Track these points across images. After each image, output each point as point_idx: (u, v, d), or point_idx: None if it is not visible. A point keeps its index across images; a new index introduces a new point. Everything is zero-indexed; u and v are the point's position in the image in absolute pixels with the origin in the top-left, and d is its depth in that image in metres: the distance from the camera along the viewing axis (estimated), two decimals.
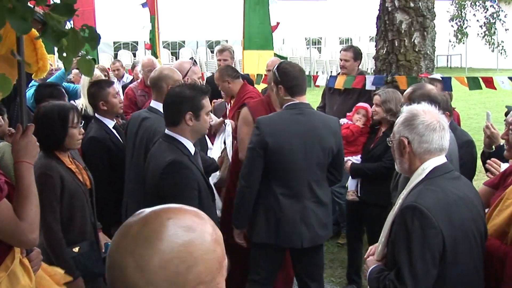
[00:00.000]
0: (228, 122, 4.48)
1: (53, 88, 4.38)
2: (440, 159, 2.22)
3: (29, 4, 1.74)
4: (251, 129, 3.41)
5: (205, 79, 6.18)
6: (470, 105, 12.90)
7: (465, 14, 20.35)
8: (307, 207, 3.21)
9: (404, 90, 4.30)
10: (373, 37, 11.32)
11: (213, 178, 4.06)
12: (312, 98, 7.26)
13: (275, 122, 3.25)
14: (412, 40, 4.83)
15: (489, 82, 4.54)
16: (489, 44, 20.18)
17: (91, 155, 3.50)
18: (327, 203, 3.35)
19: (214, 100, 5.25)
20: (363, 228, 4.37)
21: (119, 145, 3.71)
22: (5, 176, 2.08)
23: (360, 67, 5.55)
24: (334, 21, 20.35)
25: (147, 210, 1.07)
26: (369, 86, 4.87)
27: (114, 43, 19.55)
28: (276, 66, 3.41)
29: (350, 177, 4.23)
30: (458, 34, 20.33)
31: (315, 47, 22.21)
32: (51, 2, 1.83)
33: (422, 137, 2.19)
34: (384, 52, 4.97)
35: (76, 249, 2.78)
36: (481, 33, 20.25)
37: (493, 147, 3.55)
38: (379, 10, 5.07)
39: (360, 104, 4.50)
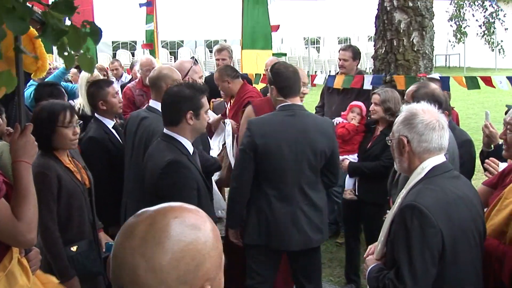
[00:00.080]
0: (228, 121, 4.48)
1: (52, 87, 4.38)
2: (439, 158, 2.22)
3: (27, 4, 1.74)
4: None
5: (203, 78, 6.17)
6: (469, 105, 12.91)
7: (464, 13, 20.36)
8: (299, 209, 3.19)
9: (401, 90, 4.32)
10: (371, 37, 11.33)
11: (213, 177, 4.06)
12: (311, 97, 7.27)
13: (265, 124, 3.24)
14: (411, 39, 4.83)
15: (488, 81, 4.54)
16: (489, 44, 20.20)
17: (90, 155, 3.49)
18: (322, 207, 3.31)
19: (213, 100, 5.25)
20: (361, 227, 4.37)
21: (118, 145, 3.70)
22: (3, 176, 2.07)
23: (358, 66, 5.56)
24: (333, 21, 20.33)
25: (150, 209, 1.07)
26: (367, 86, 4.87)
27: (113, 42, 19.52)
28: (270, 67, 3.41)
29: (347, 176, 4.23)
30: (457, 34, 20.34)
31: (314, 47, 22.21)
32: (51, 1, 1.83)
33: (421, 136, 2.19)
34: (382, 51, 4.97)
35: (74, 248, 2.77)
36: (480, 33, 20.26)
37: (492, 146, 3.55)
38: (377, 9, 5.07)
39: (354, 102, 4.50)
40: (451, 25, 20.24)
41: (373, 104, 4.02)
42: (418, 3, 4.82)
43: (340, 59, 5.37)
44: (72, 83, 6.41)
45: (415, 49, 4.84)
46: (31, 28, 2.07)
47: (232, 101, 4.80)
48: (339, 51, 5.47)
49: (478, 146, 3.72)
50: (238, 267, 3.36)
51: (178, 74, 3.65)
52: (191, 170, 2.75)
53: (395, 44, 4.86)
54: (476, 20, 20.10)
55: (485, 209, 2.44)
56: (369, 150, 4.09)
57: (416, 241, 2.03)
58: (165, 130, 2.86)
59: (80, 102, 4.90)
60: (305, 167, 3.18)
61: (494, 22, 19.97)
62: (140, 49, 18.26)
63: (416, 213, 2.04)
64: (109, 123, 3.76)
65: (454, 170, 2.31)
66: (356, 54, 5.32)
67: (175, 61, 17.63)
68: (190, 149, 2.84)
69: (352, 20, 19.89)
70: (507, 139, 2.60)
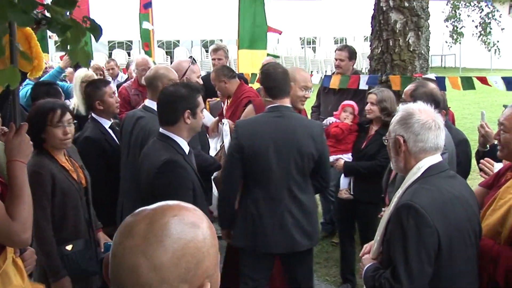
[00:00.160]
0: (226, 121, 4.48)
1: (49, 86, 4.36)
2: (435, 158, 2.22)
3: None
4: None
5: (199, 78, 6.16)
6: (464, 105, 12.95)
7: (460, 14, 20.41)
8: (286, 211, 3.16)
9: (397, 91, 4.32)
10: (367, 37, 11.34)
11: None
12: None
13: (252, 125, 3.25)
14: (407, 39, 4.84)
15: (483, 81, 4.55)
16: (485, 44, 20.26)
17: (86, 155, 3.47)
18: (312, 210, 3.28)
19: (209, 99, 5.24)
20: (355, 226, 4.37)
21: (114, 145, 3.68)
22: None
23: (354, 66, 5.57)
24: (329, 21, 20.37)
25: (148, 208, 1.07)
26: (363, 86, 4.88)
27: (109, 42, 19.49)
28: (261, 68, 3.42)
29: (342, 175, 4.23)
30: (453, 34, 20.39)
31: (310, 47, 22.25)
32: None
33: (417, 136, 2.19)
34: (378, 51, 4.98)
35: (69, 247, 2.76)
36: (476, 33, 20.32)
37: (488, 146, 3.56)
38: (373, 9, 5.08)
39: (346, 102, 4.51)
40: (447, 26, 20.29)
41: (369, 104, 4.02)
42: (414, 3, 4.83)
43: (336, 59, 5.37)
44: (67, 82, 6.39)
45: (411, 49, 4.85)
46: (27, 28, 2.07)
47: (229, 101, 4.80)
48: (335, 51, 5.47)
49: (474, 146, 3.73)
50: (235, 267, 3.36)
51: (175, 73, 3.64)
52: (187, 170, 2.75)
53: (391, 44, 4.87)
54: (472, 20, 20.16)
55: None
56: (364, 149, 4.09)
57: (412, 240, 2.03)
58: (161, 130, 2.85)
59: (75, 102, 4.89)
60: (292, 168, 3.16)
61: (490, 22, 20.03)
62: (136, 49, 18.25)
63: (412, 212, 2.04)
64: (106, 123, 3.74)
65: (450, 169, 2.32)
66: (352, 54, 5.32)
67: (171, 61, 17.64)
68: (186, 148, 2.83)
69: (348, 20, 19.93)
70: (501, 139, 2.61)
